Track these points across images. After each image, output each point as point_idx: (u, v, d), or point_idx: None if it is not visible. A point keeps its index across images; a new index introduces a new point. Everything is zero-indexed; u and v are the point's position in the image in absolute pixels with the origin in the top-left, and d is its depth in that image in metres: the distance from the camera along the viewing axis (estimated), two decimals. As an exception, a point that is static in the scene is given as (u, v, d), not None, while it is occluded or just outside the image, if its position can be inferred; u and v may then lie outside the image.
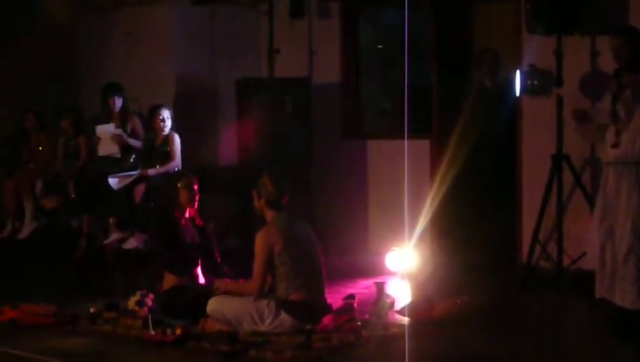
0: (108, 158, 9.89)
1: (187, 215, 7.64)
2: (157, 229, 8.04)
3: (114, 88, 10.08)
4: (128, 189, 9.57)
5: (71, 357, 6.45)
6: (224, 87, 10.47)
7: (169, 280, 7.52)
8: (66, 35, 11.39)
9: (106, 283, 8.91)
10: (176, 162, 9.63)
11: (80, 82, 11.32)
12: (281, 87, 9.85)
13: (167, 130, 9.67)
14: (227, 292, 6.99)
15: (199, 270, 7.57)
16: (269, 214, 6.94)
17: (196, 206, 7.68)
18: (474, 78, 9.65)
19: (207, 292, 7.12)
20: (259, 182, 6.99)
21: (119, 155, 9.83)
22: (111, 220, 9.63)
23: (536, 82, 8.45)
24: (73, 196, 10.00)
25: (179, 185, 7.57)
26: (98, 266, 9.41)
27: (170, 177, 8.53)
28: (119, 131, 9.78)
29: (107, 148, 9.86)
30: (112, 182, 9.52)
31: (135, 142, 9.92)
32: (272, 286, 6.88)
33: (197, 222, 7.71)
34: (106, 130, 9.82)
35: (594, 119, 7.26)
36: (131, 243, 9.39)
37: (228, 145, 10.37)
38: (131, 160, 9.84)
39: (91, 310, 7.35)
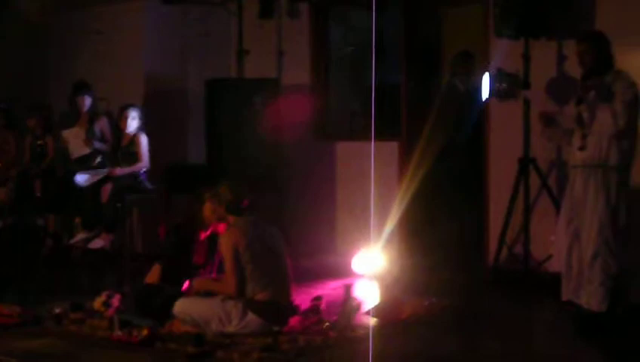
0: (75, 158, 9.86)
1: (209, 232, 7.53)
2: (173, 238, 7.97)
3: (82, 87, 10.06)
4: (95, 189, 9.54)
5: (35, 358, 6.41)
6: (194, 87, 10.46)
7: (154, 274, 7.51)
8: (37, 33, 11.33)
9: (72, 283, 8.85)
10: (144, 163, 9.62)
11: (50, 81, 11.26)
12: (251, 87, 9.83)
13: (133, 129, 9.65)
14: (205, 291, 7.00)
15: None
16: (230, 219, 6.98)
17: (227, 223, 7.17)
18: (445, 80, 9.69)
19: (178, 293, 7.10)
20: (215, 192, 7.03)
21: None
22: (77, 220, 9.59)
23: (504, 85, 8.48)
24: (39, 195, 9.96)
25: (206, 195, 7.22)
26: (64, 266, 9.37)
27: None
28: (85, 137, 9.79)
29: (78, 150, 9.83)
30: (80, 179, 9.49)
31: (101, 145, 9.89)
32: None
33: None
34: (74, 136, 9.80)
35: (560, 123, 7.30)
36: (97, 243, 9.36)
37: (197, 144, 10.35)
38: (98, 159, 9.80)
39: (57, 310, 7.30)
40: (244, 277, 6.79)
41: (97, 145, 9.86)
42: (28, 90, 11.06)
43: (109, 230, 9.41)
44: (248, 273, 6.79)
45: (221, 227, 7.18)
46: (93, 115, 10.02)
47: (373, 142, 8.57)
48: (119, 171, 9.57)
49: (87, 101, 10.02)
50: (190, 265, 7.59)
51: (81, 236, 9.47)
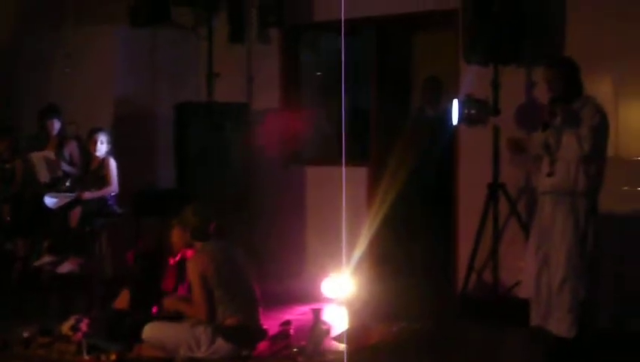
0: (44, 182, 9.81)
1: (178, 257, 7.50)
2: (141, 263, 7.92)
3: (51, 111, 10.02)
4: (64, 213, 9.50)
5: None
6: (164, 111, 10.43)
7: (123, 300, 7.47)
8: (6, 55, 11.28)
9: (41, 307, 8.78)
10: (113, 187, 9.61)
11: (19, 104, 11.20)
12: (221, 111, 9.83)
13: (102, 153, 9.64)
14: (175, 310, 6.97)
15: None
16: (197, 245, 6.98)
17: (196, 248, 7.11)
18: (414, 105, 9.72)
19: (147, 318, 7.07)
20: (181, 217, 7.03)
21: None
22: (45, 243, 9.54)
23: (473, 111, 8.52)
24: (8, 219, 9.90)
25: (173, 221, 7.20)
26: (33, 290, 9.31)
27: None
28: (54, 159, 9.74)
29: (46, 174, 9.79)
30: (49, 201, 9.45)
31: (70, 169, 9.86)
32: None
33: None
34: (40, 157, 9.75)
35: (529, 149, 7.34)
36: (66, 267, 9.30)
37: (167, 168, 10.33)
38: (67, 183, 9.76)
39: (25, 334, 7.25)
40: (213, 302, 6.77)
41: (66, 168, 9.82)
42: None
43: (77, 254, 9.36)
44: (217, 298, 6.78)
45: (189, 253, 7.17)
46: (62, 139, 9.99)
47: (344, 167, 8.58)
48: (88, 195, 9.55)
49: (56, 125, 9.99)
50: (159, 290, 7.56)
51: (46, 259, 9.40)
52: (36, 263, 9.49)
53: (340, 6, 8.89)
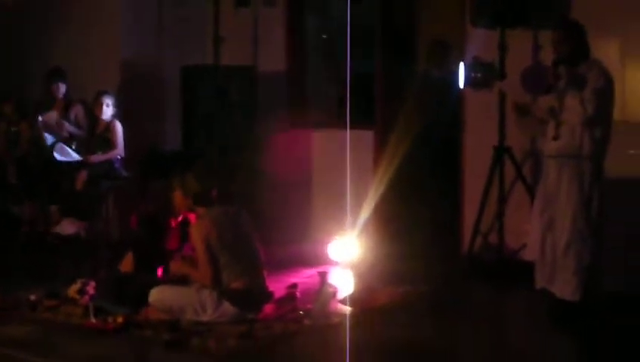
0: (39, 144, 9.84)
1: (180, 218, 7.51)
2: (144, 226, 7.93)
3: (57, 74, 10.02)
4: (70, 176, 9.52)
5: (10, 344, 6.39)
6: (170, 74, 10.42)
7: (128, 262, 7.51)
8: (11, 18, 11.26)
9: (48, 270, 8.82)
10: (119, 150, 9.63)
11: (25, 67, 11.19)
12: (227, 75, 9.82)
13: (107, 116, 9.65)
14: (182, 275, 7.00)
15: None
16: (200, 210, 6.98)
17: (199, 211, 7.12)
18: (420, 68, 9.69)
19: (153, 281, 7.11)
20: (183, 183, 7.03)
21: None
22: (53, 208, 9.57)
23: (479, 75, 8.50)
24: (14, 182, 9.93)
25: (175, 184, 7.22)
26: (40, 253, 9.35)
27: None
28: (60, 120, 9.75)
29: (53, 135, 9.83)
30: (58, 151, 9.47)
31: (76, 131, 9.87)
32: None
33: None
34: (49, 119, 9.75)
35: (534, 112, 7.33)
36: (69, 229, 9.33)
37: (173, 131, 10.33)
38: (73, 146, 9.77)
39: (32, 297, 7.28)
40: (218, 267, 6.79)
41: (71, 129, 9.83)
42: (2, 76, 11.00)
43: (84, 217, 9.39)
44: (222, 262, 6.80)
45: (192, 217, 7.18)
46: (68, 102, 9.99)
47: (348, 131, 8.57)
48: (94, 158, 9.57)
49: (62, 88, 9.99)
50: (163, 252, 7.59)
51: (57, 222, 9.46)
52: (47, 228, 9.54)
53: (346, -32, 8.88)
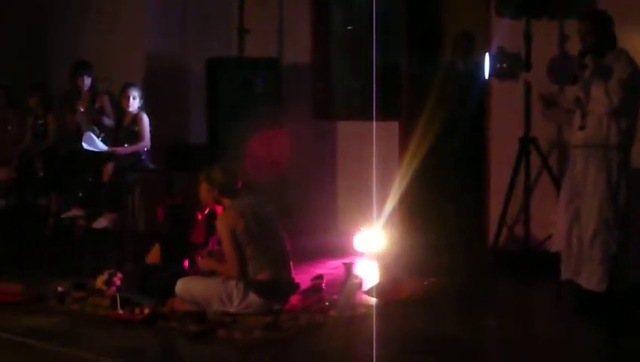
0: (76, 136, 9.88)
1: (207, 211, 7.52)
2: (171, 218, 7.96)
3: (83, 67, 10.07)
4: (97, 168, 9.57)
5: (38, 336, 6.44)
6: (195, 66, 10.44)
7: (154, 254, 7.54)
8: (37, 11, 11.31)
9: (75, 262, 8.87)
10: (145, 142, 9.67)
11: (51, 60, 11.25)
12: (252, 66, 9.83)
13: (134, 109, 9.69)
14: (210, 271, 7.02)
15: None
16: (226, 202, 7.00)
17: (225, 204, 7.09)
18: (445, 60, 9.67)
19: (180, 273, 7.14)
20: (208, 174, 7.04)
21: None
22: (79, 199, 9.62)
23: (504, 65, 8.46)
24: (41, 174, 9.99)
25: (201, 176, 7.17)
26: (67, 245, 9.40)
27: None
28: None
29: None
30: (87, 141, 9.52)
31: (108, 122, 9.93)
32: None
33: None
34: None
35: (561, 103, 7.31)
36: (101, 223, 9.38)
37: (198, 123, 10.36)
38: (100, 138, 9.81)
39: (59, 289, 7.33)
40: (244, 259, 6.81)
41: (107, 122, 9.89)
42: (28, 68, 11.07)
43: (111, 209, 9.43)
44: (248, 254, 6.81)
45: (219, 208, 7.20)
46: (93, 95, 10.03)
47: (374, 122, 8.57)
48: (121, 150, 9.61)
49: (87, 81, 10.03)
50: (190, 244, 7.62)
51: (74, 212, 9.50)
52: (64, 215, 9.58)
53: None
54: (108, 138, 9.87)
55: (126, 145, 9.66)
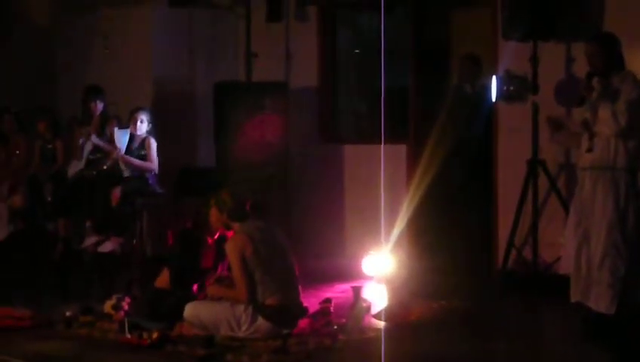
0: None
1: (216, 235, 7.52)
2: (181, 242, 7.96)
3: (95, 92, 10.09)
4: (105, 192, 9.57)
5: (46, 360, 6.44)
6: (202, 90, 10.48)
7: (163, 278, 7.54)
8: (45, 36, 11.37)
9: (83, 286, 8.87)
10: (153, 165, 9.67)
11: (58, 84, 11.30)
12: (259, 90, 9.86)
13: (142, 132, 9.71)
14: (219, 297, 7.02)
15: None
16: (235, 226, 6.99)
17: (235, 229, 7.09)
18: (453, 83, 9.69)
19: (188, 297, 7.13)
20: (217, 199, 7.04)
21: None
22: (87, 223, 9.63)
23: (512, 88, 8.48)
24: (49, 199, 10.00)
25: (211, 201, 7.18)
26: (75, 269, 9.40)
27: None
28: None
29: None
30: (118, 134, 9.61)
31: (108, 146, 9.95)
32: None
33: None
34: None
35: (568, 126, 7.30)
36: (108, 247, 9.39)
37: (206, 147, 10.38)
38: (108, 163, 9.83)
39: (67, 313, 7.32)
40: (253, 283, 6.80)
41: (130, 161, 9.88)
42: (36, 93, 11.10)
43: (119, 233, 9.44)
44: (257, 278, 6.80)
45: (229, 233, 7.19)
46: (104, 120, 10.05)
47: (382, 145, 8.57)
48: (127, 158, 9.60)
49: (100, 106, 10.04)
50: (199, 268, 7.61)
51: (91, 240, 9.51)
52: (83, 246, 9.60)
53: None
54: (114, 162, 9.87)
55: (134, 172, 9.67)
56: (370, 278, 9.08)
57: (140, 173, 9.68)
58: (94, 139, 9.87)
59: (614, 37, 7.02)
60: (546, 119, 7.53)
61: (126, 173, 9.65)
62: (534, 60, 8.25)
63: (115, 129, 9.71)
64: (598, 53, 6.94)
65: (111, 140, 9.90)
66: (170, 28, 10.71)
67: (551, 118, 7.44)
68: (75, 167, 10.00)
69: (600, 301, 6.82)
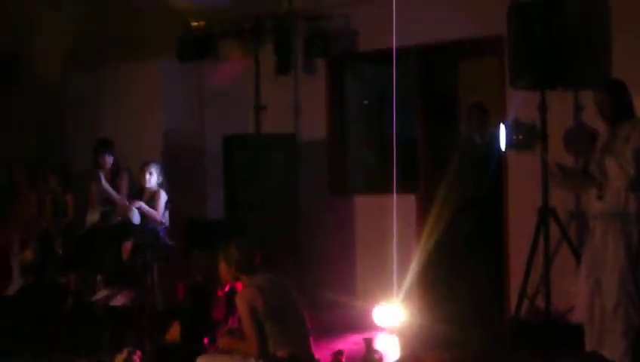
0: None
1: (227, 288, 7.52)
2: (191, 295, 7.93)
3: (105, 145, 10.14)
4: (116, 245, 9.58)
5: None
6: (212, 143, 10.51)
7: (174, 332, 7.51)
8: (54, 92, 11.44)
9: (94, 340, 8.84)
10: (161, 217, 9.68)
11: (69, 138, 11.35)
12: (269, 143, 9.89)
13: (152, 185, 9.74)
14: (230, 349, 6.98)
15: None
16: (244, 279, 6.96)
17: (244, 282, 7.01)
18: (462, 132, 9.71)
19: (199, 350, 7.09)
20: (226, 252, 7.02)
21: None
22: (98, 277, 9.62)
23: (521, 137, 8.49)
24: (60, 253, 10.01)
25: (220, 255, 7.10)
26: (86, 323, 9.38)
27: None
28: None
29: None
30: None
31: (115, 195, 9.98)
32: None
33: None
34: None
35: (576, 170, 7.30)
36: (119, 300, 9.37)
37: (216, 200, 10.39)
38: (119, 216, 9.85)
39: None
40: (264, 335, 6.76)
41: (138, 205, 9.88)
42: (46, 149, 11.15)
43: (130, 286, 9.43)
44: (268, 330, 6.76)
45: (239, 285, 7.16)
46: (115, 172, 10.09)
47: (395, 195, 8.59)
48: (137, 204, 9.61)
49: (110, 159, 10.08)
50: (210, 321, 7.58)
51: (103, 293, 9.50)
52: (93, 298, 9.59)
53: (383, 36, 8.96)
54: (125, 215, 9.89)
55: (145, 223, 9.69)
56: (382, 329, 9.04)
57: (152, 226, 9.70)
58: (104, 183, 9.90)
59: (623, 84, 7.04)
60: (554, 165, 7.53)
61: (134, 221, 9.66)
62: (542, 109, 8.26)
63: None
64: (607, 101, 6.96)
65: (122, 192, 9.94)
66: (179, 81, 10.78)
67: (559, 164, 7.45)
68: (92, 216, 10.02)
69: (615, 350, 6.79)
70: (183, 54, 10.45)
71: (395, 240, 8.79)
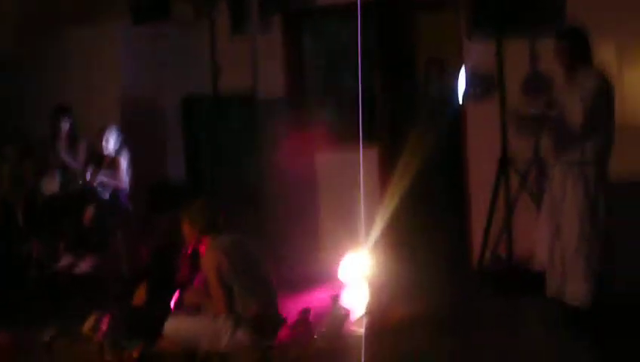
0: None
1: (190, 250, 7.48)
2: (155, 258, 7.92)
3: (62, 110, 10.05)
4: (77, 212, 9.54)
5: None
6: (170, 105, 10.45)
7: (140, 295, 7.51)
8: (9, 58, 11.31)
9: (60, 308, 8.82)
10: (122, 183, 9.64)
11: (24, 105, 11.24)
12: (227, 103, 9.85)
13: (110, 151, 9.68)
14: (196, 305, 6.99)
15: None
16: (208, 240, 6.96)
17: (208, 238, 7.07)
18: (420, 87, 9.72)
19: (167, 312, 7.10)
20: (189, 213, 7.01)
21: None
22: (60, 244, 9.59)
23: (478, 88, 8.51)
24: (21, 222, 9.95)
25: (183, 216, 7.13)
26: (51, 292, 9.35)
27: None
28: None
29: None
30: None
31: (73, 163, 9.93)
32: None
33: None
34: None
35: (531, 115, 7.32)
36: (83, 268, 9.34)
37: (176, 162, 10.36)
38: (78, 182, 9.80)
39: (46, 337, 7.29)
40: (231, 296, 6.79)
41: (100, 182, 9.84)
42: (2, 116, 11.03)
43: (93, 252, 9.40)
44: (235, 291, 6.79)
45: (202, 247, 7.16)
46: (72, 139, 10.02)
47: (360, 147, 8.57)
48: (99, 180, 9.58)
49: (67, 124, 10.01)
50: (175, 283, 7.59)
51: (66, 260, 9.46)
52: (57, 267, 9.55)
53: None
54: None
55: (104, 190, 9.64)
56: (349, 282, 9.07)
57: (112, 192, 9.66)
58: (63, 152, 9.84)
59: (581, 31, 7.03)
60: (509, 113, 7.57)
61: (100, 190, 9.63)
62: (499, 58, 8.27)
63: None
64: (564, 49, 6.97)
65: (80, 159, 9.88)
66: (136, 45, 10.68)
67: (516, 110, 7.49)
68: (49, 185, 9.95)
69: (576, 295, 6.87)
70: (136, 16, 10.34)
71: (362, 192, 8.79)
